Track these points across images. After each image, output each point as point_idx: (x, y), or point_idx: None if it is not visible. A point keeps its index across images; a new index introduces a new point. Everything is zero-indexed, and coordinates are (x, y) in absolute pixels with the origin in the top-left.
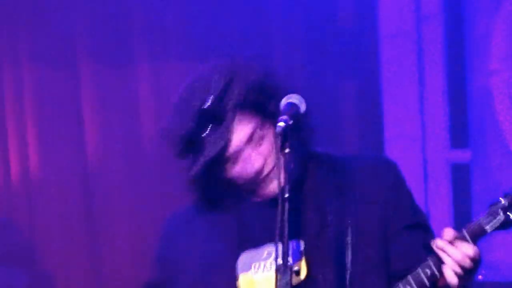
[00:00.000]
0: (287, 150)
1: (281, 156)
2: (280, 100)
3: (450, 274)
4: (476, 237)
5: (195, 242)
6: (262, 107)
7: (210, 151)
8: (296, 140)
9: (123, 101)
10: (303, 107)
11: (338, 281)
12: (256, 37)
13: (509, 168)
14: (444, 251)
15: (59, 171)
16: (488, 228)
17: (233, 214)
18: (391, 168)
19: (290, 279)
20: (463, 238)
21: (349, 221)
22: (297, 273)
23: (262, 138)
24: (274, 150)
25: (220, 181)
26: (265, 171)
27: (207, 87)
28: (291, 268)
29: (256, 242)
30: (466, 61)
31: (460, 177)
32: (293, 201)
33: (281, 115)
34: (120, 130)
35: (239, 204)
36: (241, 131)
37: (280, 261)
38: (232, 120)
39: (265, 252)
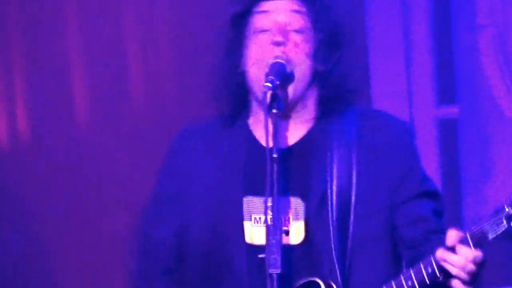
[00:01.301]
0: (274, 111)
1: (269, 117)
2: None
3: (457, 282)
4: (478, 243)
5: (203, 166)
6: (316, 13)
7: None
8: (283, 100)
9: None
10: (290, 67)
11: (337, 248)
12: None
13: (497, 124)
14: (446, 262)
15: (48, 134)
16: (490, 236)
17: (240, 155)
18: (409, 135)
19: (280, 239)
20: (466, 242)
21: (355, 187)
22: (287, 233)
23: (301, 32)
24: (305, 49)
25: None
26: (289, 67)
27: None
28: (280, 228)
29: (258, 190)
30: (451, 16)
31: (448, 133)
32: (299, 156)
33: (268, 75)
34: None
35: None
36: (289, 5)
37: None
38: None
39: (269, 203)
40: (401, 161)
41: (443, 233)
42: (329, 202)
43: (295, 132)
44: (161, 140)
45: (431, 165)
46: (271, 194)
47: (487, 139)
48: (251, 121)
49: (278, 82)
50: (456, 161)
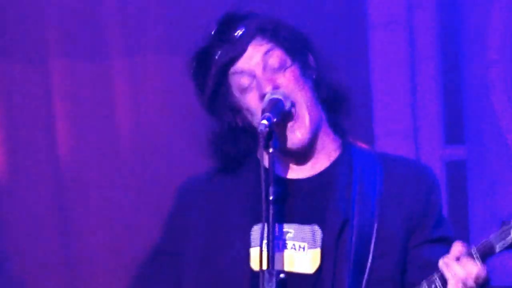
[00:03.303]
0: (271, 150)
1: (265, 155)
2: (305, 47)
3: None
4: (485, 255)
5: (208, 210)
6: (282, 38)
7: (225, 64)
8: (280, 138)
9: (97, 96)
10: (288, 104)
11: (351, 282)
12: None
13: (507, 165)
14: (448, 268)
15: (29, 170)
16: (497, 247)
17: (249, 184)
18: (433, 179)
19: (276, 287)
20: (471, 256)
21: (377, 225)
22: (283, 281)
23: (281, 65)
24: (294, 81)
25: (241, 128)
26: (287, 103)
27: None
28: (277, 275)
29: (273, 217)
30: (460, 52)
31: (456, 175)
32: (321, 186)
33: (264, 112)
34: (94, 126)
35: (257, 165)
36: (256, 51)
37: (264, 266)
38: (249, 39)
39: (277, 231)
40: (419, 206)
41: None
42: (349, 235)
43: (318, 162)
44: (149, 176)
45: None
46: (268, 240)
47: (498, 180)
48: (259, 153)
49: (275, 120)
50: (464, 204)
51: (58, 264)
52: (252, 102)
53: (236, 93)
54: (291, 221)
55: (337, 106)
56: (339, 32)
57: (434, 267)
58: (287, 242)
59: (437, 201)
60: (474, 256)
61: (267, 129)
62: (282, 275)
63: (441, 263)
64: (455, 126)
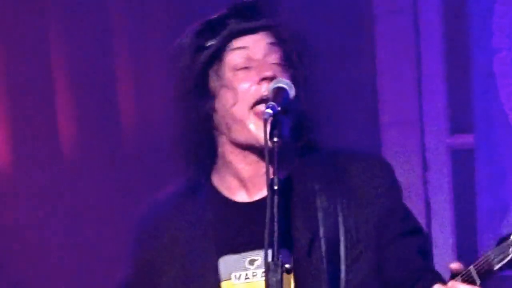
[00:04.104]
0: (275, 139)
1: (270, 145)
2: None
3: None
4: (484, 274)
5: (172, 240)
6: (290, 46)
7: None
8: (285, 128)
9: (100, 93)
10: (292, 92)
11: None
12: None
13: None
14: None
15: (32, 169)
16: (496, 266)
17: (208, 214)
18: (388, 172)
19: (281, 277)
20: (468, 276)
21: (342, 232)
22: (288, 271)
23: (281, 64)
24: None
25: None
26: (291, 95)
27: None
28: (282, 265)
29: (235, 248)
30: (467, 39)
31: (463, 164)
32: (280, 205)
33: (269, 101)
34: (97, 123)
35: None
36: (264, 38)
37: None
38: (264, 28)
39: (247, 262)
40: (381, 202)
41: (429, 272)
42: (318, 251)
43: (281, 166)
44: (152, 180)
45: (444, 197)
46: (272, 232)
47: (505, 169)
48: (215, 177)
49: (279, 108)
50: (471, 194)
51: (61, 258)
52: (243, 82)
53: (230, 71)
54: (255, 248)
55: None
56: (344, 21)
57: (410, 260)
58: (255, 271)
59: (399, 194)
60: (475, 274)
61: (272, 117)
62: (287, 265)
63: None
64: (462, 115)
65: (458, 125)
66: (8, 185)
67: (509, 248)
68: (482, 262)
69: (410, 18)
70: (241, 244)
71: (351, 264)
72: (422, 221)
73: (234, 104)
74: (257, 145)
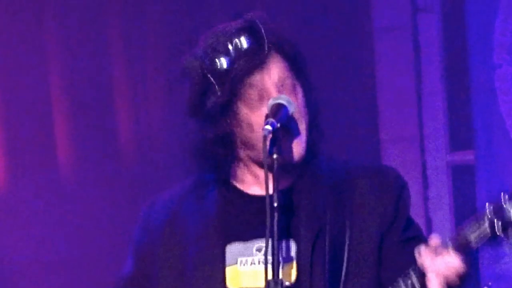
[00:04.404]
0: (275, 156)
1: (269, 162)
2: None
3: (434, 286)
4: (462, 249)
5: (176, 231)
6: (295, 59)
7: (236, 81)
8: (285, 144)
9: (97, 101)
10: (292, 109)
11: None
12: None
13: None
14: (426, 261)
15: (29, 178)
16: (473, 240)
17: (218, 204)
18: (394, 179)
19: None
20: (446, 247)
21: (347, 234)
22: None
23: (293, 87)
24: (301, 109)
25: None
26: (290, 111)
27: (238, 30)
28: (281, 284)
29: (243, 236)
30: (467, 56)
31: (463, 180)
32: (289, 199)
33: (268, 117)
34: (94, 131)
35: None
36: (275, 69)
37: (270, 276)
38: (268, 56)
39: (254, 248)
40: (389, 210)
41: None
42: (323, 246)
43: (288, 175)
44: (149, 180)
45: (445, 214)
46: (272, 245)
47: (506, 185)
48: (233, 174)
49: (279, 125)
50: (472, 210)
51: (58, 269)
52: (260, 119)
53: (245, 105)
54: (264, 236)
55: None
56: (344, 38)
57: (408, 265)
58: (261, 257)
59: (406, 203)
60: (450, 247)
61: (271, 134)
62: (287, 283)
63: (417, 254)
64: (462, 132)
65: (458, 142)
66: (4, 208)
67: (486, 223)
68: (460, 237)
69: (410, 35)
70: (250, 232)
71: (353, 266)
72: None
73: (251, 135)
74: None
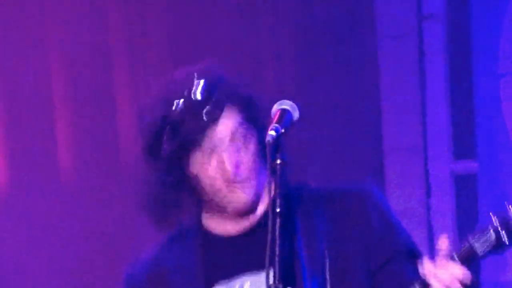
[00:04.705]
0: (278, 161)
1: (272, 168)
2: (261, 111)
3: None
4: (467, 261)
5: (160, 277)
6: (249, 108)
7: (188, 134)
8: (288, 150)
9: (98, 103)
10: (296, 115)
11: None
12: (247, 38)
13: None
14: (432, 274)
15: (29, 179)
16: (479, 250)
17: (196, 251)
18: (369, 196)
19: None
20: (453, 260)
21: (328, 258)
22: None
23: (245, 138)
24: (252, 157)
25: (185, 187)
26: (242, 175)
27: (192, 80)
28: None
29: (226, 276)
30: (471, 64)
31: (466, 190)
32: (263, 230)
33: (272, 123)
34: (95, 133)
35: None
36: (227, 122)
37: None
38: (221, 109)
39: (237, 285)
40: (369, 226)
41: None
42: (302, 274)
43: (255, 212)
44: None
45: (448, 223)
46: (273, 254)
47: (509, 194)
48: (205, 218)
49: (283, 130)
50: (475, 220)
51: (58, 271)
52: (213, 170)
53: (195, 165)
54: (246, 271)
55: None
56: (348, 46)
57: (406, 282)
58: None
59: (388, 216)
60: (455, 259)
61: (275, 140)
62: None
63: (422, 270)
64: (465, 140)
65: (461, 151)
66: (4, 208)
67: (491, 232)
68: (465, 249)
69: (415, 44)
70: (232, 270)
71: (337, 285)
72: (425, 247)
73: (207, 184)
74: (238, 206)
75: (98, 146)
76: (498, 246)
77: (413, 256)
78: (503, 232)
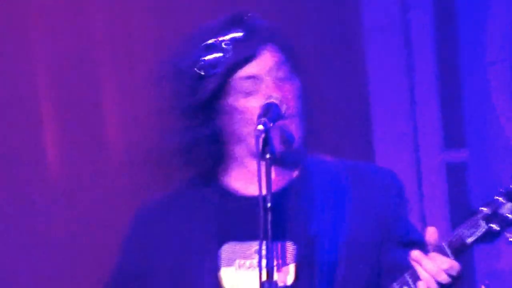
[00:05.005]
0: (268, 156)
1: (262, 162)
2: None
3: None
4: (458, 251)
5: (170, 230)
6: (290, 52)
7: (234, 63)
8: (278, 144)
9: (84, 97)
10: (283, 108)
11: None
12: None
13: (509, 167)
14: (419, 264)
15: (18, 177)
16: (469, 241)
17: (212, 205)
18: (394, 182)
19: None
20: (442, 251)
21: (344, 234)
22: None
23: (289, 79)
24: (295, 100)
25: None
26: (282, 110)
27: (229, 24)
28: (276, 285)
29: (240, 236)
30: (459, 53)
31: (457, 178)
32: (286, 200)
33: (260, 117)
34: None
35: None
36: (271, 56)
37: (264, 275)
38: (264, 44)
39: (252, 249)
40: (388, 211)
41: None
42: (319, 246)
43: (283, 175)
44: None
45: (439, 211)
46: (267, 245)
47: (499, 183)
48: (226, 175)
49: (271, 124)
50: (466, 208)
51: (46, 267)
52: (255, 105)
53: (239, 96)
54: (257, 238)
55: (315, 131)
56: (335, 36)
57: (406, 271)
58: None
59: (404, 206)
60: (447, 250)
61: (264, 134)
62: (281, 284)
63: (411, 259)
64: (455, 129)
65: (452, 140)
66: None
67: (480, 221)
68: (455, 239)
69: (402, 33)
70: (247, 233)
71: (348, 265)
72: None
73: (244, 128)
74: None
75: (86, 142)
76: (489, 236)
77: (418, 247)
78: (495, 220)
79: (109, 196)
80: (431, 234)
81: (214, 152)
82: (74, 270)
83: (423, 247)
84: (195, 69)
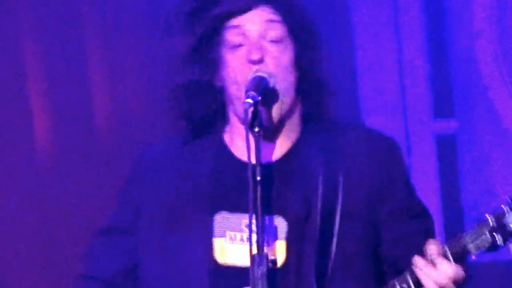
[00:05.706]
0: (256, 129)
1: (251, 136)
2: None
3: None
4: (460, 257)
5: (166, 186)
6: (289, 14)
7: (225, 13)
8: (266, 117)
9: (74, 88)
10: (272, 81)
11: (319, 270)
12: None
13: (498, 138)
14: (422, 271)
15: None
16: (472, 249)
17: (209, 168)
18: (392, 149)
19: (266, 269)
20: (445, 256)
21: (340, 207)
22: (273, 263)
23: (278, 44)
24: (285, 67)
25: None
26: (272, 81)
27: None
28: (267, 257)
29: (233, 206)
30: (447, 24)
31: (446, 148)
32: (282, 172)
33: (248, 90)
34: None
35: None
36: (263, 14)
37: (254, 248)
38: (259, 2)
39: (243, 222)
40: (386, 177)
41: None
42: (313, 221)
43: (278, 147)
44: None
45: (429, 182)
46: (255, 219)
47: (488, 153)
48: (227, 136)
49: (259, 98)
50: (455, 178)
51: (36, 256)
52: (236, 61)
53: (225, 48)
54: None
55: (313, 103)
56: (321, 5)
57: (410, 242)
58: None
59: (404, 170)
60: (450, 257)
61: (252, 107)
62: (272, 257)
63: (414, 264)
64: (444, 100)
65: (440, 110)
66: None
67: (486, 232)
68: (458, 246)
69: (390, 4)
70: (240, 203)
71: (344, 239)
72: None
73: (230, 85)
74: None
75: (75, 126)
76: (492, 247)
77: (420, 216)
78: (499, 232)
79: (99, 184)
80: (432, 247)
81: (212, 102)
82: (65, 255)
83: (425, 216)
84: (190, 15)
